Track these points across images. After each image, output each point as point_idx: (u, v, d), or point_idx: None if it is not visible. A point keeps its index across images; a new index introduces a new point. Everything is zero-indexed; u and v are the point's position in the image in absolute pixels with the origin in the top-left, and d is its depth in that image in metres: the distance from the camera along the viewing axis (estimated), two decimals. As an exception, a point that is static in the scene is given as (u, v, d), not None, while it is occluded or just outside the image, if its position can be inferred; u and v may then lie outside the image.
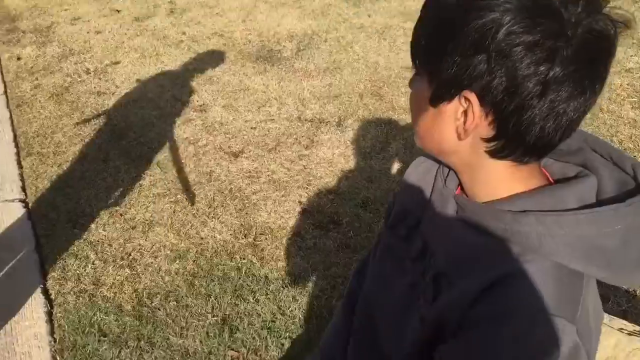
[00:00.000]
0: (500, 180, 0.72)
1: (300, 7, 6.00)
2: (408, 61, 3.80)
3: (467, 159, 0.72)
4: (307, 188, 3.12)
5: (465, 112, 0.66)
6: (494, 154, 0.69)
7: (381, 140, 3.47)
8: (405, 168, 3.02)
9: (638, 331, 1.42)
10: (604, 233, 0.66)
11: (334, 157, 3.36)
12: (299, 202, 3.02)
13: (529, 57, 0.60)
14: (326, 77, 4.37)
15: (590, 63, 0.62)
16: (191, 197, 3.10)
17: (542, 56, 0.60)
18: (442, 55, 0.65)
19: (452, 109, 0.68)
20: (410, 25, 5.15)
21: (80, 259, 2.76)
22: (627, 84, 3.79)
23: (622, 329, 1.42)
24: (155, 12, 6.21)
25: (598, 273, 0.68)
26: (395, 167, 3.23)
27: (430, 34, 0.68)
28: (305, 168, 3.28)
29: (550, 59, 0.60)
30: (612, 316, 1.47)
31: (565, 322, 0.64)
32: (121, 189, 3.22)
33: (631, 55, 4.18)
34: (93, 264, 2.72)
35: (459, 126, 0.68)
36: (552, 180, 0.76)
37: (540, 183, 0.73)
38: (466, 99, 0.65)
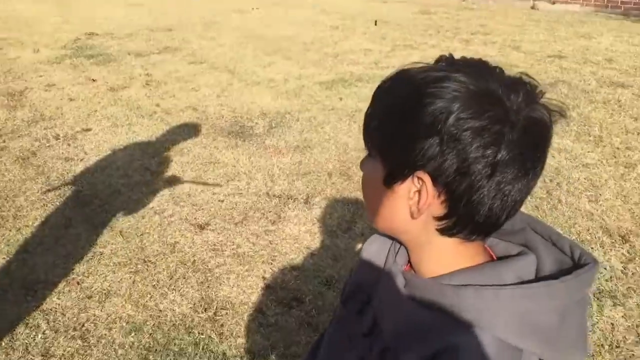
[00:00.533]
0: (446, 257, 0.75)
1: (275, 87, 6.16)
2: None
3: (418, 236, 0.76)
4: (271, 263, 3.09)
5: (418, 192, 0.70)
6: (444, 231, 0.73)
7: (347, 219, 3.50)
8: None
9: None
10: (540, 309, 0.68)
11: (300, 234, 3.36)
12: (263, 277, 2.98)
13: (478, 141, 0.65)
14: (296, 154, 4.44)
15: (532, 147, 0.68)
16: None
17: (489, 140, 0.65)
18: (396, 139, 0.69)
19: (406, 188, 0.71)
20: (380, 110, 5.33)
21: (31, 327, 2.64)
22: (585, 178, 3.94)
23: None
24: (131, 83, 6.30)
25: (536, 349, 0.69)
26: (360, 246, 3.23)
27: (384, 119, 0.72)
28: (270, 243, 3.27)
29: (497, 142, 0.65)
30: None
31: None
32: (80, 257, 3.14)
33: (588, 152, 4.38)
34: (44, 333, 2.61)
35: (412, 205, 0.71)
36: (495, 258, 0.79)
37: (483, 260, 0.77)
38: (419, 179, 0.69)
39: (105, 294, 2.87)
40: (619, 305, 2.68)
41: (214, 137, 4.79)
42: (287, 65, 7.12)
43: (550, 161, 4.10)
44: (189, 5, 12.38)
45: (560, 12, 11.54)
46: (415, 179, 0.69)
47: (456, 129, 0.64)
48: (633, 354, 2.40)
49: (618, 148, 4.44)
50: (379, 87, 0.75)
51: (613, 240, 3.20)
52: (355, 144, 4.59)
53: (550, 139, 0.70)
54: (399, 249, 0.86)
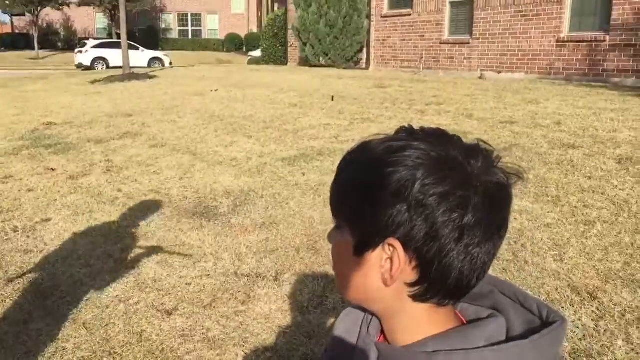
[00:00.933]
0: (419, 324, 0.76)
1: (237, 166, 6.20)
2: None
3: (391, 304, 0.76)
4: (243, 346, 3.00)
5: (390, 259, 0.71)
6: (417, 297, 0.74)
7: (318, 294, 3.45)
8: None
9: None
10: None
11: (271, 313, 3.29)
12: (235, 361, 2.88)
13: (444, 205, 0.67)
14: (262, 232, 4.41)
15: (495, 210, 0.71)
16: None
17: (455, 204, 0.67)
18: (363, 208, 0.71)
19: (377, 257, 0.72)
20: (343, 183, 5.40)
21: None
22: (548, 238, 4.02)
23: None
24: (91, 170, 6.25)
25: None
26: (333, 321, 3.18)
27: (350, 190, 0.75)
28: (241, 325, 3.18)
29: (462, 206, 0.67)
30: None
31: None
32: (42, 354, 2.99)
33: (548, 212, 4.49)
34: None
35: (384, 273, 0.72)
36: (465, 323, 0.80)
37: (454, 325, 0.78)
38: (390, 245, 0.70)
39: (69, 391, 2.72)
40: (595, 363, 2.67)
41: (178, 219, 4.74)
42: (249, 144, 7.20)
43: (513, 223, 4.18)
44: (149, 91, 12.53)
45: (506, 80, 12.12)
46: (387, 247, 0.71)
47: (422, 194, 0.67)
48: (615, 413, 2.38)
49: (576, 207, 4.56)
50: (343, 159, 0.78)
51: (582, 298, 3.23)
52: (320, 218, 4.60)
53: (510, 201, 0.73)
54: (371, 319, 0.86)
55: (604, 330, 2.93)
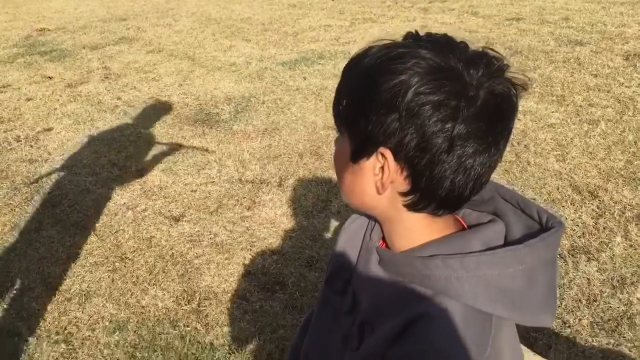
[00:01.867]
0: (416, 232, 0.78)
1: (237, 71, 6.09)
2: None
3: (387, 212, 0.77)
4: (250, 250, 3.08)
5: (382, 168, 0.71)
6: (411, 207, 0.74)
7: (323, 198, 3.50)
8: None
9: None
10: (506, 274, 0.70)
11: (276, 217, 3.35)
12: (243, 264, 2.97)
13: (436, 115, 0.65)
14: (265, 138, 4.41)
15: (492, 122, 0.68)
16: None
17: (447, 114, 0.65)
18: (359, 115, 0.70)
19: (371, 165, 0.72)
20: (345, 86, 5.32)
21: (12, 335, 2.59)
22: (551, 139, 4.01)
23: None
24: (89, 78, 6.15)
25: (504, 313, 0.72)
26: (337, 224, 3.25)
27: (348, 97, 0.73)
28: (248, 229, 3.26)
29: (454, 117, 0.65)
30: (531, 351, 1.49)
31: None
32: (55, 260, 3.09)
33: (552, 112, 4.44)
34: (26, 340, 2.56)
35: (377, 181, 0.73)
36: (465, 227, 0.82)
37: (452, 230, 0.79)
38: (382, 154, 0.70)
39: (84, 295, 2.83)
40: (593, 260, 2.75)
41: (180, 126, 4.72)
42: (248, 48, 7.03)
43: (517, 124, 4.14)
44: (141, -8, 12.08)
45: (514, -26, 11.57)
46: (379, 155, 0.70)
47: (415, 104, 0.65)
48: (610, 306, 2.47)
49: (581, 106, 4.51)
50: (347, 64, 0.76)
51: (583, 197, 3.27)
52: (323, 123, 4.58)
53: (513, 112, 0.70)
54: (374, 225, 0.88)
55: (603, 228, 2.99)
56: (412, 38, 0.72)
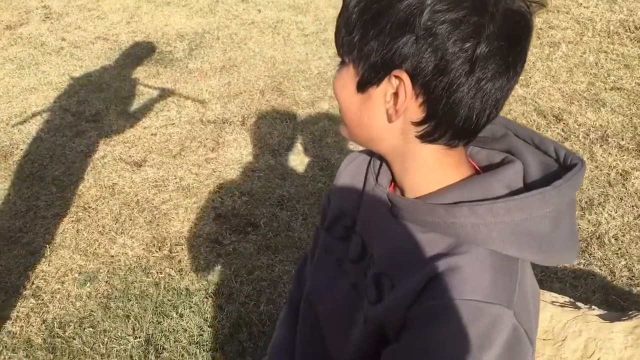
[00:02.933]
0: (430, 168, 0.72)
1: (187, 6, 5.80)
2: (304, 55, 3.76)
3: (398, 144, 0.72)
4: (218, 192, 3.01)
5: (395, 94, 0.66)
6: (424, 137, 0.69)
7: (288, 135, 3.42)
8: (316, 161, 3.01)
9: (568, 302, 1.48)
10: (534, 217, 0.67)
11: (242, 158, 3.27)
12: (212, 207, 2.91)
13: (456, 35, 0.60)
14: (223, 76, 4.25)
15: (512, 41, 0.63)
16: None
17: (468, 32, 0.60)
18: (368, 40, 0.65)
19: (382, 91, 0.67)
20: (302, 18, 5.14)
21: (-24, 295, 2.49)
22: (514, 62, 4.00)
23: (554, 301, 1.46)
24: (28, 18, 5.76)
25: (532, 256, 0.69)
26: (306, 161, 3.19)
27: (355, 21, 0.67)
28: (214, 171, 3.17)
29: (476, 34, 0.60)
30: (543, 290, 1.52)
31: (503, 308, 0.65)
32: (14, 213, 2.95)
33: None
34: (-9, 298, 2.47)
35: (389, 108, 0.68)
36: (478, 169, 0.77)
37: (468, 171, 0.74)
38: (397, 77, 0.65)
39: (49, 248, 2.73)
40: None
41: (132, 67, 4.50)
42: (196, -20, 6.69)
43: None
44: None
45: None
46: (393, 79, 0.65)
47: (432, 22, 0.60)
48: (580, 227, 2.53)
49: (541, 28, 4.49)
50: None
51: (548, 121, 3.29)
52: (282, 58, 4.43)
53: (530, 31, 0.66)
54: (379, 168, 0.82)
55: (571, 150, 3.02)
56: None
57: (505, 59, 0.63)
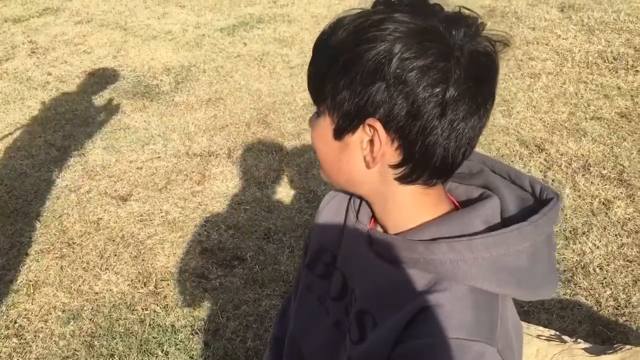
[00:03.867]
0: (410, 207, 0.73)
1: (173, 39, 5.85)
2: (290, 87, 3.79)
3: (377, 187, 0.73)
4: (205, 225, 3.00)
5: (371, 141, 0.67)
6: (403, 179, 0.70)
7: (274, 168, 3.43)
8: (303, 194, 3.02)
9: (554, 335, 1.48)
10: (512, 252, 0.68)
11: (228, 190, 3.27)
12: (199, 241, 2.90)
13: (425, 81, 0.62)
14: (209, 108, 4.27)
15: (480, 81, 0.65)
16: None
17: (436, 78, 0.62)
18: (341, 89, 0.66)
19: (357, 139, 0.68)
20: (287, 51, 5.20)
21: (-43, 335, 2.45)
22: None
23: (540, 335, 1.47)
24: (14, 53, 5.78)
25: (511, 292, 0.71)
26: (292, 193, 3.20)
27: (326, 71, 0.68)
28: (200, 205, 3.16)
29: (444, 79, 0.62)
30: (528, 323, 1.52)
31: (486, 345, 0.66)
32: (-3, 250, 2.92)
33: (495, 66, 4.49)
34: (-28, 339, 2.43)
35: (366, 155, 0.69)
36: (457, 204, 0.78)
37: (447, 207, 0.75)
38: (370, 126, 0.66)
39: (32, 285, 2.69)
40: (544, 212, 2.82)
41: (118, 101, 4.51)
42: (183, 14, 6.76)
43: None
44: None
45: None
46: (367, 127, 0.66)
47: (401, 70, 0.62)
48: (564, 257, 2.55)
49: (521, 60, 4.58)
50: (318, 39, 0.71)
51: (530, 151, 3.33)
52: (268, 90, 4.47)
53: (496, 70, 0.68)
54: (359, 205, 0.83)
55: (552, 180, 3.06)
56: (384, 4, 0.67)
57: (475, 99, 0.65)
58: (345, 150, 0.71)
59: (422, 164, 0.67)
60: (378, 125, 0.65)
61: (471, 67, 0.63)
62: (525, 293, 0.72)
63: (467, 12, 0.67)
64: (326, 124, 0.71)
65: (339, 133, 0.70)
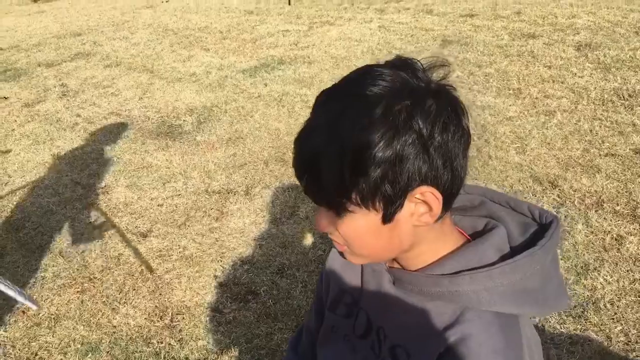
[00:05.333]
0: (432, 244, 0.79)
1: (197, 81, 6.05)
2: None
3: (416, 239, 0.77)
4: (221, 261, 3.07)
5: (423, 202, 0.71)
6: (437, 221, 0.75)
7: (290, 204, 3.51)
8: (316, 230, 3.03)
9: None
10: (527, 276, 0.74)
11: (245, 227, 3.35)
12: (214, 276, 2.97)
13: (451, 131, 0.68)
14: (229, 147, 4.40)
15: (453, 108, 0.70)
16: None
17: (450, 126, 0.68)
18: (380, 183, 0.68)
19: (407, 212, 0.72)
20: (306, 91, 5.33)
21: (-20, 366, 2.53)
22: (510, 132, 4.10)
23: None
24: (45, 96, 6.04)
25: (531, 311, 0.76)
26: (307, 229, 3.26)
27: (348, 180, 0.69)
28: (217, 240, 3.25)
29: (451, 122, 0.68)
30: None
31: None
32: (21, 284, 3.03)
33: (510, 105, 4.54)
34: (-5, 370, 2.51)
35: (420, 217, 0.72)
36: (468, 236, 0.83)
37: (459, 239, 0.81)
38: (421, 193, 0.70)
39: (54, 318, 2.78)
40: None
41: (142, 140, 4.68)
42: (207, 57, 7.00)
43: (476, 119, 4.24)
44: (95, 7, 11.92)
45: (466, -29, 11.78)
46: (414, 197, 0.70)
47: (430, 138, 0.67)
48: (576, 293, 2.54)
49: (537, 98, 4.63)
50: (308, 146, 0.72)
51: (544, 188, 3.35)
52: (286, 129, 4.59)
53: (450, 90, 0.72)
54: None
55: (565, 216, 3.07)
56: (363, 75, 0.71)
57: (460, 123, 0.70)
58: (396, 228, 0.74)
59: (449, 201, 0.73)
60: (429, 189, 0.69)
61: (440, 100, 0.68)
62: (543, 310, 0.78)
63: (404, 57, 0.72)
64: (368, 218, 0.72)
65: (390, 217, 0.72)
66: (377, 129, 0.66)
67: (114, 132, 4.89)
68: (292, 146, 0.75)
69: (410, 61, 0.71)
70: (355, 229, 0.75)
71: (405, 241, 0.76)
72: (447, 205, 0.73)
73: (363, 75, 0.71)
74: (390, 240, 0.75)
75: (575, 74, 5.04)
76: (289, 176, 3.85)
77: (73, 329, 2.71)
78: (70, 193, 3.91)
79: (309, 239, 3.18)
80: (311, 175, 0.72)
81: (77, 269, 3.12)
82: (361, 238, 0.76)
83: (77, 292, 2.95)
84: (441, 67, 0.72)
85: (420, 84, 0.69)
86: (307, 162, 0.72)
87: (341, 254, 0.84)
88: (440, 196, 0.70)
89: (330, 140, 0.68)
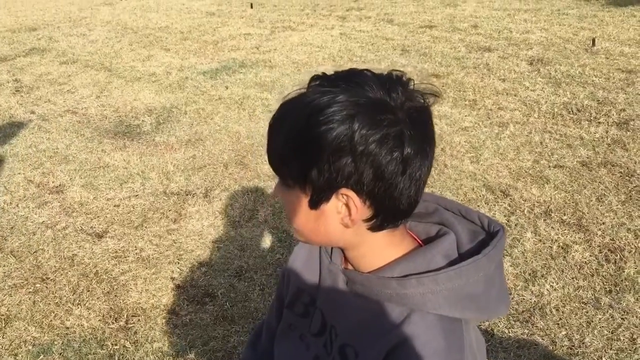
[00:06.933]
0: (381, 249, 0.83)
1: (157, 81, 6.00)
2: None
3: (352, 239, 0.82)
4: (178, 263, 3.06)
5: (345, 205, 0.76)
6: (375, 229, 0.80)
7: (249, 208, 3.53)
8: (275, 233, 3.12)
9: None
10: (471, 282, 0.79)
11: (203, 229, 3.35)
12: (171, 278, 2.96)
13: (384, 148, 0.71)
14: (189, 149, 4.38)
15: (424, 132, 0.75)
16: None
17: (393, 143, 0.71)
18: (308, 168, 0.74)
19: (333, 206, 0.77)
20: (267, 95, 5.36)
21: None
22: (465, 141, 4.22)
23: None
24: (-2, 91, 5.88)
25: (472, 315, 0.82)
26: (266, 233, 3.29)
27: (291, 156, 0.76)
28: (175, 242, 3.23)
29: (400, 143, 0.71)
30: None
31: None
32: (-30, 284, 2.95)
33: (465, 115, 4.68)
34: (-59, 371, 2.44)
35: (343, 217, 0.77)
36: (420, 241, 0.88)
37: (411, 244, 0.86)
38: (344, 195, 0.74)
39: (4, 319, 2.72)
40: (506, 255, 2.93)
41: (99, 140, 4.61)
42: (167, 57, 6.94)
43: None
44: (51, 1, 11.65)
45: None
46: (340, 196, 0.75)
47: (363, 144, 0.70)
48: (523, 298, 2.64)
49: (491, 109, 4.77)
50: (270, 126, 0.78)
51: (496, 196, 3.47)
52: (247, 132, 4.60)
53: (431, 117, 0.77)
54: (331, 249, 0.92)
55: (515, 224, 3.18)
56: (321, 80, 0.76)
57: (424, 147, 0.74)
58: (322, 217, 0.78)
59: (391, 213, 0.78)
60: (351, 193, 0.74)
61: (415, 123, 0.73)
62: (483, 315, 0.83)
63: (395, 72, 0.76)
64: (299, 197, 0.78)
65: (315, 204, 0.77)
66: (339, 111, 0.70)
67: (70, 130, 4.80)
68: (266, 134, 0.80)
69: (398, 77, 0.75)
70: (289, 202, 0.81)
71: (332, 233, 0.80)
72: (388, 221, 0.78)
73: (353, 74, 0.76)
74: (317, 227, 0.80)
75: (528, 87, 5.22)
76: (249, 179, 3.87)
77: (24, 330, 2.66)
78: (23, 191, 3.83)
79: (267, 242, 3.20)
80: (272, 133, 0.78)
81: (29, 269, 3.06)
82: (292, 212, 0.82)
83: (29, 292, 2.89)
84: (430, 95, 0.76)
85: (391, 101, 0.72)
86: (277, 121, 0.77)
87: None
88: (360, 205, 0.75)
89: (298, 107, 0.74)
